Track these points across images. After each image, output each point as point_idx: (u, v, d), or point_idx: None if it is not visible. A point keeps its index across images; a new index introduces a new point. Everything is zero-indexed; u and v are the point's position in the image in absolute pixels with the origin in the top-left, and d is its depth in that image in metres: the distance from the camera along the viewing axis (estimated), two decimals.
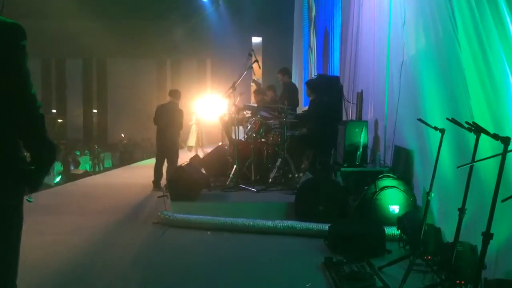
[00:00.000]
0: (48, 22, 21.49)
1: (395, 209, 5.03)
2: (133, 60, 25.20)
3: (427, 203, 3.65)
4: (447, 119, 3.25)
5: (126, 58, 25.00)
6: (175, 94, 8.87)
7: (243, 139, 8.45)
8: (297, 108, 9.15)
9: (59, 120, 25.93)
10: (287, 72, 9.14)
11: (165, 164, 8.61)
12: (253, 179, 7.23)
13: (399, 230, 4.50)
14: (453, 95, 4.22)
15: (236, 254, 4.67)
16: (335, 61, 11.09)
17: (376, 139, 6.94)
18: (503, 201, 2.44)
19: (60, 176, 14.68)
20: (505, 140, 2.49)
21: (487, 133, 2.70)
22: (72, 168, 16.60)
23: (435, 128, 3.66)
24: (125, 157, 20.49)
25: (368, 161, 6.38)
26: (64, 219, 6.23)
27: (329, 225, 4.77)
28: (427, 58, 4.99)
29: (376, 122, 6.98)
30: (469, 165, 2.97)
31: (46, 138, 2.06)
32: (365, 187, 5.24)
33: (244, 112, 8.67)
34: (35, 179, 2.07)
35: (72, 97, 26.75)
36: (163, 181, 8.20)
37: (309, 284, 3.69)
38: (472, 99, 3.79)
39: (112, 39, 21.94)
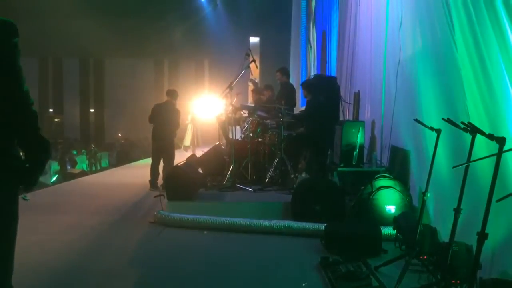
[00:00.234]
0: (46, 21, 21.43)
1: (391, 209, 5.05)
2: (130, 60, 25.21)
3: (423, 203, 3.67)
4: (443, 119, 3.27)
5: (124, 57, 25.01)
6: (172, 94, 8.87)
7: (240, 139, 8.46)
8: (295, 108, 9.16)
9: (56, 119, 25.89)
10: (286, 72, 9.14)
11: (162, 164, 8.61)
12: (250, 178, 7.23)
13: (395, 230, 4.52)
14: (449, 95, 4.24)
15: (232, 253, 4.67)
16: (332, 62, 11.11)
17: (372, 139, 6.96)
18: (498, 201, 2.45)
19: (56, 176, 14.65)
20: (500, 141, 2.50)
21: (482, 133, 2.72)
22: (68, 167, 16.55)
23: (431, 129, 3.68)
24: (122, 157, 20.44)
25: (364, 161, 6.40)
26: (60, 219, 6.22)
27: (325, 225, 4.77)
28: (424, 59, 5.00)
29: (372, 122, 6.99)
30: (464, 165, 2.98)
31: (39, 135, 2.06)
32: (362, 187, 5.25)
33: (241, 112, 8.68)
34: (30, 178, 2.07)
35: (69, 96, 26.71)
36: (160, 181, 8.19)
37: (305, 283, 3.69)
38: (468, 99, 3.80)
39: (109, 39, 21.91)
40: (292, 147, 7.43)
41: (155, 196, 6.21)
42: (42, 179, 12.89)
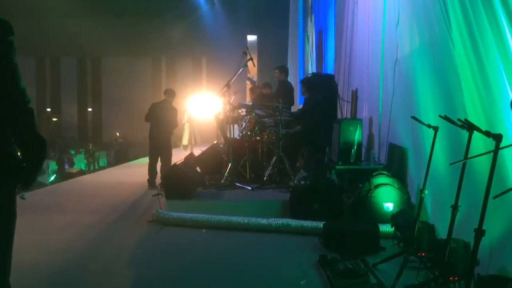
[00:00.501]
0: (43, 20, 21.41)
1: (389, 206, 5.06)
2: (128, 59, 25.16)
3: (421, 200, 3.68)
4: (440, 116, 3.27)
5: (121, 56, 24.95)
6: (169, 93, 8.88)
7: (238, 138, 8.45)
8: (293, 107, 9.16)
9: (54, 119, 25.86)
10: (284, 70, 9.15)
11: (160, 163, 8.60)
12: (248, 177, 7.23)
13: (393, 227, 4.53)
14: (446, 93, 4.24)
15: (231, 252, 4.68)
16: (328, 60, 11.12)
17: (370, 137, 6.97)
18: (494, 197, 2.46)
19: (54, 175, 14.64)
20: (497, 137, 2.51)
21: (479, 130, 2.72)
22: (66, 167, 16.54)
23: (429, 126, 3.68)
24: (120, 156, 20.42)
25: (362, 159, 6.40)
26: (58, 218, 6.22)
27: (323, 223, 4.78)
28: (421, 56, 5.01)
29: (370, 120, 7.00)
30: (462, 162, 2.99)
31: (36, 132, 2.06)
32: (360, 185, 5.26)
33: (239, 111, 8.68)
34: (28, 176, 2.07)
35: (66, 96, 26.68)
36: (158, 180, 8.19)
37: (304, 281, 3.70)
38: (465, 96, 3.81)
39: (107, 37, 21.89)
40: (290, 145, 7.44)
41: (153, 195, 6.21)
42: (40, 178, 12.88)
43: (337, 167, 6.15)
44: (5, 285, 2.11)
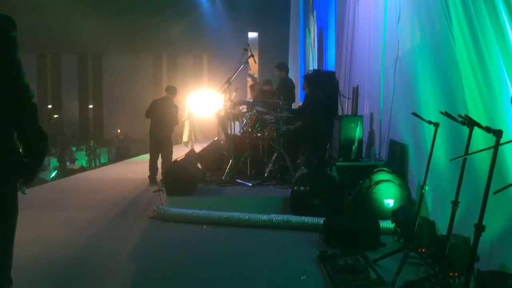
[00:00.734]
0: (44, 17, 21.39)
1: (390, 202, 5.06)
2: (129, 55, 25.14)
3: (421, 197, 3.68)
4: (441, 112, 3.27)
5: (122, 53, 24.94)
6: (171, 90, 8.91)
7: (239, 134, 8.46)
8: (294, 104, 9.15)
9: (55, 116, 25.88)
10: (284, 67, 9.14)
11: (160, 159, 8.62)
12: (248, 173, 7.24)
13: (393, 224, 4.53)
14: (447, 89, 4.24)
15: (231, 248, 4.68)
16: (329, 57, 11.11)
17: (371, 133, 6.97)
18: (494, 193, 2.46)
19: (56, 171, 14.67)
20: (497, 133, 2.51)
21: (479, 126, 2.72)
22: (68, 163, 16.57)
23: (429, 122, 3.68)
24: (121, 153, 20.46)
25: (363, 156, 6.40)
26: (59, 214, 6.23)
27: (324, 219, 4.79)
28: (422, 53, 5.00)
29: (371, 117, 7.00)
30: (462, 158, 2.99)
31: (39, 127, 2.07)
32: (360, 181, 5.26)
33: (240, 107, 8.68)
34: (29, 172, 2.08)
35: (67, 93, 26.69)
36: (159, 176, 8.20)
37: (304, 276, 3.71)
38: (466, 93, 3.80)
39: (108, 34, 21.88)
40: (291, 142, 7.44)
41: (154, 191, 6.22)
42: (41, 175, 12.91)
43: (338, 163, 6.15)
44: (6, 279, 2.13)
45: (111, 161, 18.67)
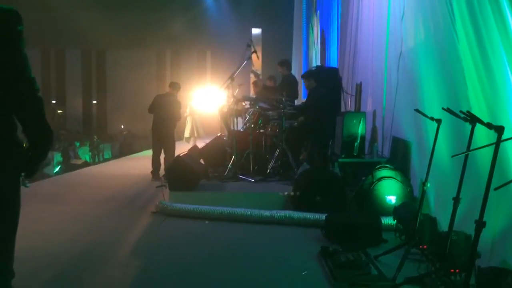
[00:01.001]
0: (48, 13, 21.42)
1: (392, 199, 5.06)
2: (132, 51, 25.14)
3: (423, 193, 3.68)
4: (443, 108, 3.27)
5: (126, 49, 24.95)
6: (174, 86, 8.93)
7: (241, 130, 8.46)
8: (297, 100, 9.16)
9: (59, 111, 25.94)
10: (286, 64, 9.14)
11: (163, 155, 8.64)
12: (251, 169, 7.24)
13: (395, 220, 4.54)
14: (450, 86, 4.23)
15: (233, 243, 4.70)
16: (331, 54, 11.09)
17: (374, 130, 6.96)
18: (496, 189, 2.46)
19: (59, 166, 14.72)
20: (498, 129, 2.51)
21: (481, 122, 2.72)
22: (71, 158, 16.62)
23: (432, 119, 3.68)
24: (125, 148, 20.50)
25: (365, 152, 6.40)
26: (63, 208, 6.26)
27: (326, 215, 4.80)
28: (425, 50, 4.99)
29: (374, 113, 6.99)
30: (464, 155, 2.99)
31: (44, 121, 2.08)
32: (363, 178, 5.27)
33: (243, 103, 8.68)
34: (32, 165, 2.09)
35: (71, 88, 26.73)
36: (162, 171, 8.23)
37: (305, 272, 3.72)
38: (469, 90, 3.79)
39: (111, 30, 21.89)
40: (294, 138, 7.45)
41: (157, 187, 6.25)
42: (45, 170, 12.95)
43: (340, 160, 6.15)
44: (9, 272, 2.14)
45: (115, 156, 18.69)
